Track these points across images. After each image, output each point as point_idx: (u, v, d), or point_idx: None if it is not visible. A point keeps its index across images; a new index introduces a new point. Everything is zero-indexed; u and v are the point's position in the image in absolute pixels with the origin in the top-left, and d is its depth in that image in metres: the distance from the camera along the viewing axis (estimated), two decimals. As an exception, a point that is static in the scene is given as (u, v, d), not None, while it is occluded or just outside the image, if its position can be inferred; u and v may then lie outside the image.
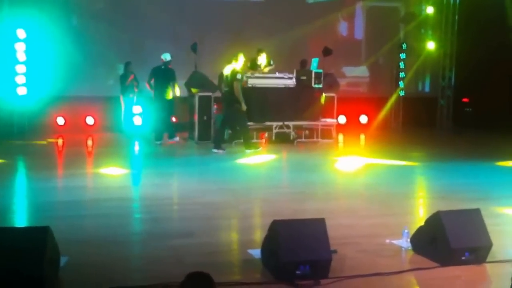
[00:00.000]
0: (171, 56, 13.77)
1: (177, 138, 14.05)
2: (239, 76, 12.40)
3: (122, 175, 9.88)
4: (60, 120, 15.54)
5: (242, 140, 12.79)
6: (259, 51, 14.08)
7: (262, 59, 14.02)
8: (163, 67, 13.82)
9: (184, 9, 16.15)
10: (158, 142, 13.73)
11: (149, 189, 8.79)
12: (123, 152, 12.61)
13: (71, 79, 14.82)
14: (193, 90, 13.88)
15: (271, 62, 14.16)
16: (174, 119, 14.53)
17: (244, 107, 12.38)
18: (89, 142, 14.01)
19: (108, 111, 15.48)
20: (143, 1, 15.88)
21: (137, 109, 15.21)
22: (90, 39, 15.11)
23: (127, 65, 14.81)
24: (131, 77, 14.79)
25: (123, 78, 14.89)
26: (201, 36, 15.19)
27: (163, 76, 13.74)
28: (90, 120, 15.72)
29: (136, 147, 13.57)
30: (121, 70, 15.20)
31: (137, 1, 15.88)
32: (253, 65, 13.90)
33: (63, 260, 5.07)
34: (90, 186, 9.24)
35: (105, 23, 15.30)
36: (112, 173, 9.89)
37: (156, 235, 6.31)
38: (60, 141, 13.92)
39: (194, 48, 14.14)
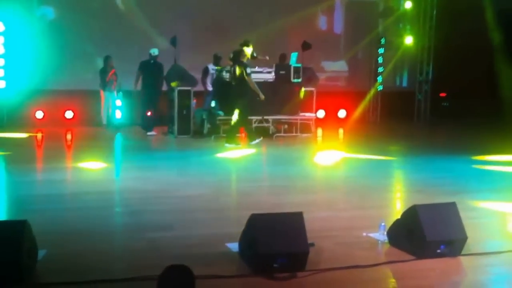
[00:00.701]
0: (158, 51, 13.85)
1: (153, 132, 14.11)
2: (248, 70, 12.50)
3: (102, 168, 9.86)
4: (39, 114, 15.43)
5: (229, 133, 12.84)
6: (246, 43, 14.05)
7: (248, 52, 14.02)
8: (152, 61, 13.88)
9: (163, 1, 16.06)
10: (150, 134, 13.86)
11: (128, 182, 8.78)
12: (102, 146, 12.55)
13: (50, 72, 14.73)
14: (173, 84, 13.85)
15: (255, 55, 14.16)
16: (149, 113, 14.50)
17: (262, 97, 12.53)
18: (68, 136, 13.93)
19: (87, 105, 15.40)
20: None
21: (117, 103, 15.14)
22: (69, 32, 15.00)
23: (106, 59, 14.73)
24: (112, 71, 14.71)
25: (103, 72, 14.82)
26: (181, 29, 15.13)
27: (152, 70, 13.81)
28: (69, 114, 15.63)
29: (116, 141, 13.52)
30: (100, 64, 15.12)
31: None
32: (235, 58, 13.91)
33: (41, 254, 5.07)
34: (69, 179, 9.22)
35: (84, 17, 15.20)
36: (92, 167, 9.86)
37: (135, 228, 6.32)
38: (39, 135, 13.82)
39: (173, 41, 14.10)
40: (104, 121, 15.02)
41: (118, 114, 15.04)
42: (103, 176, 9.42)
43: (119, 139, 13.67)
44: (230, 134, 12.66)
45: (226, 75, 13.37)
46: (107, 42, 15.42)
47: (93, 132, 14.30)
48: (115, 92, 14.95)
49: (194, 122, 13.98)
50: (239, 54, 12.65)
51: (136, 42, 15.01)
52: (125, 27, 15.48)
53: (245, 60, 12.65)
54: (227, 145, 12.42)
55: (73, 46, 14.98)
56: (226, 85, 13.13)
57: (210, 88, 14.34)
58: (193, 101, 13.93)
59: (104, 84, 14.83)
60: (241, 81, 12.39)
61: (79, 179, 9.06)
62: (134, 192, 8.05)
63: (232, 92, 12.67)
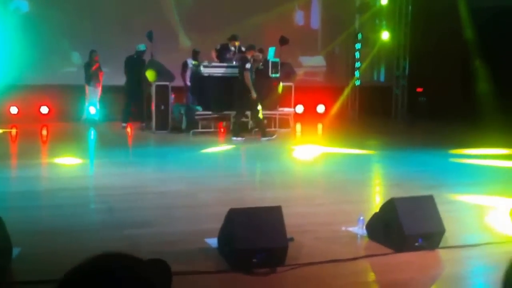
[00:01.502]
0: (145, 47, 13.82)
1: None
2: (248, 66, 12.57)
3: (78, 165, 9.75)
4: (14, 110, 15.18)
5: (259, 128, 13.06)
6: (233, 38, 14.01)
7: (234, 46, 13.97)
8: (135, 56, 13.83)
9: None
10: (143, 125, 14.08)
11: (105, 179, 8.68)
12: (78, 141, 12.41)
13: (24, 67, 14.51)
14: (150, 79, 13.75)
15: (243, 49, 14.12)
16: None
17: (254, 95, 12.62)
18: (44, 132, 13.76)
19: (63, 100, 15.20)
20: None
21: (93, 98, 14.97)
22: (43, 26, 14.79)
23: (91, 53, 14.54)
24: (96, 65, 14.53)
25: (88, 66, 14.63)
26: (157, 24, 14.95)
27: (133, 65, 13.76)
28: (44, 109, 15.41)
29: (92, 137, 13.39)
30: (76, 58, 14.96)
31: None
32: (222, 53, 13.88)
33: (15, 252, 4.98)
34: (44, 176, 9.08)
35: (58, 10, 14.99)
36: (67, 163, 9.74)
37: (112, 225, 6.25)
38: (13, 131, 13.63)
39: (149, 36, 13.98)
40: (88, 117, 14.87)
41: (92, 110, 14.85)
42: (79, 172, 9.31)
43: (95, 134, 13.52)
44: (261, 129, 12.89)
45: (203, 70, 13.31)
46: (83, 36, 15.22)
47: (69, 128, 14.14)
48: (100, 88, 14.77)
49: (172, 117, 13.88)
50: (246, 50, 12.98)
51: (111, 36, 14.85)
52: (101, 21, 15.28)
53: (249, 56, 12.81)
54: (262, 139, 12.63)
55: (48, 40, 14.77)
56: (204, 80, 13.08)
57: (189, 83, 14.28)
58: (171, 96, 13.84)
59: (89, 79, 14.65)
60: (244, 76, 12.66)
61: (54, 175, 8.93)
62: (111, 188, 7.96)
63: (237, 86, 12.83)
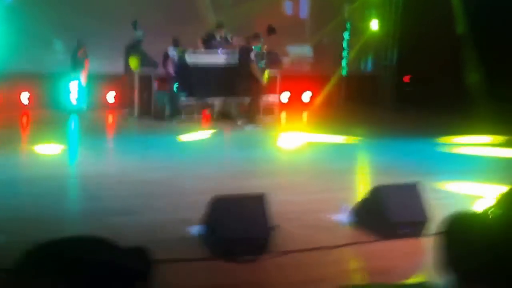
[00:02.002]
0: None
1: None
2: (252, 56, 12.62)
3: (59, 152, 9.58)
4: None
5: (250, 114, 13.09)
6: (219, 26, 13.89)
7: (221, 34, 13.86)
8: (134, 44, 13.75)
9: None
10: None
11: (87, 167, 8.56)
12: (60, 129, 12.20)
13: (3, 55, 14.23)
14: (133, 66, 13.59)
15: (228, 38, 14.01)
16: None
17: (264, 82, 12.93)
18: (24, 120, 13.56)
19: (44, 88, 14.95)
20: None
21: (73, 85, 14.74)
22: (25, 13, 14.51)
23: (78, 42, 14.32)
24: (82, 49, 14.31)
25: (74, 53, 14.41)
26: (142, 13, 14.74)
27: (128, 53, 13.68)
28: (24, 97, 15.12)
29: (73, 125, 13.19)
30: (58, 45, 14.71)
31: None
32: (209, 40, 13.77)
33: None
34: (24, 164, 8.91)
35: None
36: (48, 151, 9.58)
37: (94, 213, 6.16)
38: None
39: (135, 25, 13.81)
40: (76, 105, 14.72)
41: (74, 97, 14.62)
42: (60, 160, 9.14)
43: (76, 122, 13.32)
44: (251, 116, 12.92)
45: (188, 59, 13.19)
46: (64, 23, 14.91)
47: (50, 116, 13.91)
48: (85, 74, 14.57)
49: (155, 105, 13.75)
50: (251, 39, 13.02)
51: (94, 24, 14.61)
52: (84, 8, 14.99)
53: (253, 45, 12.91)
54: (248, 127, 12.65)
55: (29, 26, 14.47)
56: (188, 68, 12.98)
57: (171, 72, 14.12)
58: (154, 84, 13.71)
59: (74, 66, 14.45)
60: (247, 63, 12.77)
61: (35, 163, 8.78)
62: (93, 176, 7.84)
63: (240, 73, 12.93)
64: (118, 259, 1.96)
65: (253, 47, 12.87)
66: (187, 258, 4.85)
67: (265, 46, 13.58)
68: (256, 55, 12.87)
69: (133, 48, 13.81)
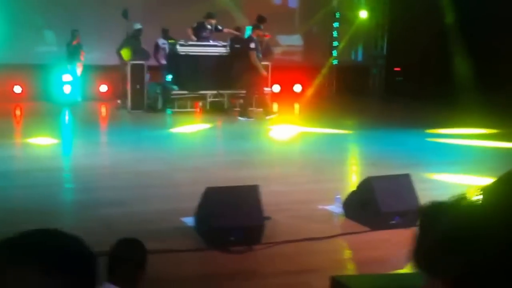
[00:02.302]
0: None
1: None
2: (252, 45, 12.56)
3: (52, 145, 9.61)
4: (-15, 89, 14.87)
5: (242, 106, 13.08)
6: (209, 16, 13.85)
7: (211, 24, 13.83)
8: (133, 35, 13.74)
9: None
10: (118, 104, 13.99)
11: (80, 159, 8.59)
12: (53, 121, 12.21)
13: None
14: (125, 57, 13.55)
15: (220, 27, 13.99)
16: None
17: (264, 73, 12.84)
18: (17, 112, 13.53)
19: (37, 79, 14.92)
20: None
21: (67, 77, 14.71)
22: (17, 3, 14.44)
23: (73, 32, 14.25)
24: (77, 39, 14.24)
25: (69, 46, 14.34)
26: (133, 2, 14.68)
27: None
28: (17, 89, 15.09)
29: (67, 116, 13.19)
30: (49, 36, 14.66)
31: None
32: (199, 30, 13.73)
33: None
34: (18, 156, 8.95)
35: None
36: (42, 143, 9.59)
37: (87, 205, 6.20)
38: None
39: (125, 14, 13.75)
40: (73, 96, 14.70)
41: (67, 89, 14.60)
42: (54, 152, 9.19)
43: (70, 114, 13.31)
44: (243, 108, 12.88)
45: (179, 49, 13.15)
46: (57, 13, 14.81)
47: (43, 107, 13.88)
48: (81, 66, 14.53)
49: (147, 96, 13.72)
50: (252, 29, 12.95)
51: (86, 13, 14.55)
52: (76, 0, 14.92)
53: (254, 36, 12.81)
54: (240, 118, 12.59)
55: (21, 17, 14.40)
56: (180, 59, 12.97)
57: (163, 62, 14.12)
58: (147, 75, 13.67)
59: (71, 58, 14.39)
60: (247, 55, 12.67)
61: (28, 155, 8.81)
62: (86, 168, 7.87)
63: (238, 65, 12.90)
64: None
65: (254, 37, 12.78)
66: (180, 249, 4.91)
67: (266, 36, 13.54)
68: (256, 45, 12.74)
69: (132, 38, 13.76)
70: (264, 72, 12.79)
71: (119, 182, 7.19)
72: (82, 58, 14.48)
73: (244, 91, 13.37)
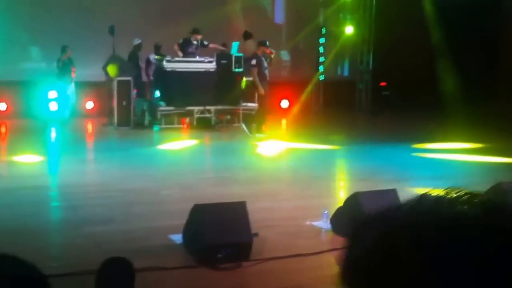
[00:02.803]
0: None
1: None
2: (253, 62, 12.44)
3: (38, 162, 9.52)
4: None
5: (257, 123, 12.81)
6: (195, 32, 13.85)
7: (197, 40, 13.84)
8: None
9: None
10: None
11: (66, 176, 8.52)
12: (38, 138, 12.09)
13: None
14: (111, 74, 13.47)
15: (205, 43, 14.01)
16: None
17: (261, 91, 12.48)
18: (2, 129, 13.44)
19: (22, 96, 14.80)
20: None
21: (52, 94, 14.62)
22: (1, 20, 14.37)
23: (63, 49, 14.20)
24: (67, 54, 14.18)
25: (59, 60, 14.26)
26: (119, 18, 14.66)
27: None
28: (2, 106, 14.95)
29: (53, 134, 13.11)
30: (34, 52, 14.60)
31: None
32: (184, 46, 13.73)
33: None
34: (2, 174, 8.84)
35: (16, 3, 14.54)
36: (27, 161, 9.52)
37: (74, 223, 6.14)
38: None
39: (111, 30, 13.76)
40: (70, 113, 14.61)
41: (53, 106, 14.51)
42: (39, 170, 9.09)
43: (56, 131, 13.23)
44: (258, 124, 12.72)
45: (166, 65, 13.16)
46: (42, 30, 14.76)
47: (28, 125, 13.77)
48: (73, 84, 14.47)
49: (134, 113, 13.68)
50: (257, 46, 12.79)
51: (72, 30, 14.51)
52: (62, 14, 14.82)
53: (258, 51, 12.63)
54: (257, 135, 12.46)
55: (6, 34, 14.34)
56: (167, 75, 12.98)
57: (152, 78, 14.13)
58: (133, 92, 13.64)
59: (61, 74, 14.32)
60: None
61: (13, 173, 8.73)
62: (72, 186, 7.81)
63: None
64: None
65: (258, 54, 12.59)
66: (168, 267, 4.88)
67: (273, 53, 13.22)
68: (258, 61, 12.50)
69: (133, 56, 13.76)
70: (261, 90, 12.53)
71: (105, 200, 7.14)
72: (73, 74, 14.40)
73: (230, 107, 13.40)
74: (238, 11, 16.54)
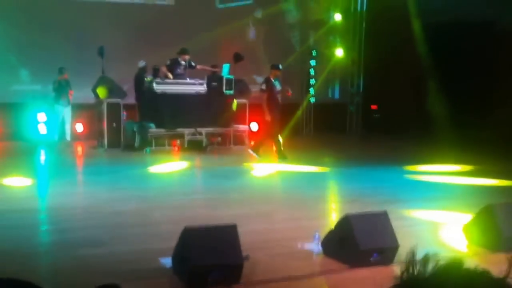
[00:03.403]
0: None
1: None
2: (263, 87, 12.34)
3: (28, 185, 9.44)
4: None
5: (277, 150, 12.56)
6: (183, 52, 13.82)
7: (185, 60, 13.83)
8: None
9: (90, 10, 15.46)
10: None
11: (56, 199, 8.45)
12: (28, 161, 12.03)
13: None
14: (101, 95, 13.44)
15: (193, 64, 14.01)
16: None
17: (267, 118, 12.27)
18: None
19: (11, 119, 14.71)
20: (46, 2, 15.13)
21: (41, 116, 14.54)
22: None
23: (60, 70, 14.17)
24: (65, 75, 14.15)
25: (55, 82, 14.22)
26: (109, 39, 14.68)
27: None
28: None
29: (42, 156, 13.05)
30: (23, 74, 14.56)
31: (40, 2, 15.07)
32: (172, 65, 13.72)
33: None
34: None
35: (4, 24, 14.53)
36: (16, 184, 9.44)
37: (64, 246, 6.09)
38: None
39: (101, 52, 13.77)
40: (68, 136, 14.53)
41: (42, 128, 14.45)
42: (29, 193, 8.98)
43: (46, 154, 13.16)
44: (256, 144, 12.70)
45: (156, 87, 13.12)
46: (31, 51, 14.72)
47: (17, 147, 13.71)
48: (69, 106, 14.44)
49: (124, 135, 13.64)
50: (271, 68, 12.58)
51: (61, 51, 14.52)
52: (50, 36, 14.81)
53: (271, 75, 12.47)
54: (250, 151, 12.49)
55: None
56: (157, 97, 12.98)
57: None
58: (123, 114, 13.60)
59: (58, 97, 14.28)
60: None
61: (1, 196, 8.62)
62: (63, 208, 7.74)
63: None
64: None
65: (270, 78, 12.42)
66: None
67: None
68: (269, 85, 12.32)
69: (141, 78, 13.75)
70: (268, 117, 12.32)
71: (95, 222, 7.09)
72: (70, 97, 14.37)
73: (222, 129, 13.40)
74: (229, 34, 16.59)
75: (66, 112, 14.54)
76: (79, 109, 14.83)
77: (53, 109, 14.40)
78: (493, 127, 14.46)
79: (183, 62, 13.78)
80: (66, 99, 14.40)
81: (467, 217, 6.68)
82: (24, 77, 14.64)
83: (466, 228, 6.45)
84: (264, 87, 12.35)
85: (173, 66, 13.69)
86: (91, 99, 13.98)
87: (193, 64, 13.99)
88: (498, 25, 16.02)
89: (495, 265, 1.24)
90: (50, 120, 14.54)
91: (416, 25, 16.98)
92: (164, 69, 13.67)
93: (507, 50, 15.29)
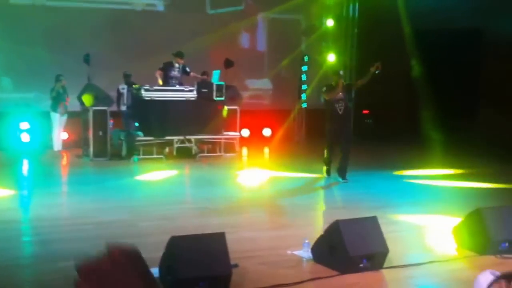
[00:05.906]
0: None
1: None
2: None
3: (8, 196, 9.15)
4: None
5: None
6: (178, 55, 13.67)
7: (179, 63, 13.68)
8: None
9: (76, 17, 15.21)
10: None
11: (39, 210, 8.22)
12: (10, 171, 11.63)
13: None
14: (87, 103, 13.14)
15: (187, 69, 13.88)
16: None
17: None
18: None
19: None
20: (29, 8, 14.87)
21: (24, 125, 14.28)
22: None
23: (57, 78, 13.97)
24: (63, 82, 13.95)
25: (53, 90, 14.00)
26: (95, 46, 14.47)
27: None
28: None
29: (25, 166, 12.73)
30: (6, 82, 14.38)
31: (23, 9, 14.82)
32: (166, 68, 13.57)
33: None
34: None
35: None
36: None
37: (46, 258, 5.93)
38: None
39: (86, 59, 13.57)
40: (58, 146, 14.27)
41: (26, 137, 14.19)
42: (11, 204, 8.69)
43: (28, 164, 12.85)
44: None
45: (144, 94, 12.90)
46: (15, 59, 14.46)
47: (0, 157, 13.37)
48: (65, 115, 14.23)
49: (111, 143, 13.33)
50: None
51: (46, 59, 14.32)
52: (35, 44, 14.58)
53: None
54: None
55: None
56: (145, 104, 12.80)
57: (123, 108, 13.81)
58: (110, 122, 13.32)
59: (54, 105, 14.07)
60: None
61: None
62: (45, 220, 7.54)
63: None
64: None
65: None
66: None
67: None
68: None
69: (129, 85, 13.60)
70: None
71: (80, 233, 6.92)
72: (67, 103, 14.17)
73: (212, 136, 13.24)
74: (219, 39, 16.46)
75: (61, 121, 14.30)
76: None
77: (37, 117, 14.12)
78: (482, 131, 14.48)
79: (177, 65, 13.64)
80: (64, 108, 14.17)
81: (457, 220, 6.62)
82: (6, 85, 14.40)
83: (455, 231, 6.43)
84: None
85: (167, 69, 13.53)
86: (76, 106, 13.74)
87: (187, 70, 13.84)
88: (487, 33, 16.11)
89: (483, 268, 1.13)
90: (33, 129, 14.23)
91: (408, 31, 16.94)
92: (158, 73, 13.48)
93: (494, 56, 15.38)
